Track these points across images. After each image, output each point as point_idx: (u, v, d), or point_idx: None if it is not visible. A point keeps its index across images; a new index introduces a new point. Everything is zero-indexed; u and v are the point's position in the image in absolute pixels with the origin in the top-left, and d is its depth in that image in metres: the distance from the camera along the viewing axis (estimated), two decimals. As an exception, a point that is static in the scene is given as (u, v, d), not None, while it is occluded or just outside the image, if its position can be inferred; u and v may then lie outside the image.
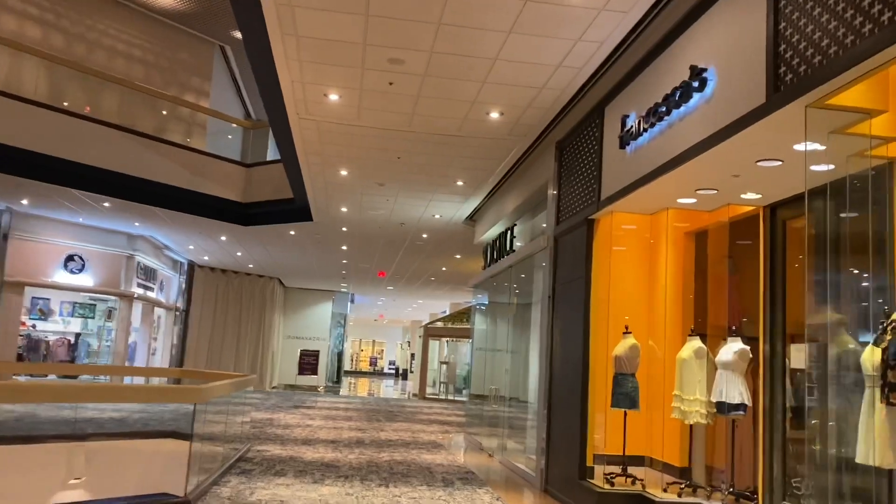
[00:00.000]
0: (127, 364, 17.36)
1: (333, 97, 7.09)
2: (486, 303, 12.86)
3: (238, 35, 15.22)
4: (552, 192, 8.02)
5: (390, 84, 6.64)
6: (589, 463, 6.60)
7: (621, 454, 6.45)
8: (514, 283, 10.26)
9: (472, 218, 12.82)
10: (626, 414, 6.45)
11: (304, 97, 7.15)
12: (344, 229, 14.55)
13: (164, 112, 15.53)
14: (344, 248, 17.04)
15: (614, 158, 6.28)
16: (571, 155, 7.50)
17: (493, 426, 11.53)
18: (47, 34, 13.71)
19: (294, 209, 13.40)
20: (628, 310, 6.83)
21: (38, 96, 12.07)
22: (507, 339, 11.12)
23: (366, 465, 8.66)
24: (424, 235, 14.73)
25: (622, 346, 6.53)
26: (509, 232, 10.18)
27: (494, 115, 7.31)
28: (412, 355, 44.47)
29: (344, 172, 9.96)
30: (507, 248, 10.25)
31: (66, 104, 12.69)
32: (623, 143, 5.99)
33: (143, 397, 5.35)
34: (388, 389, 33.31)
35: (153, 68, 15.43)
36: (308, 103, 7.32)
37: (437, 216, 12.64)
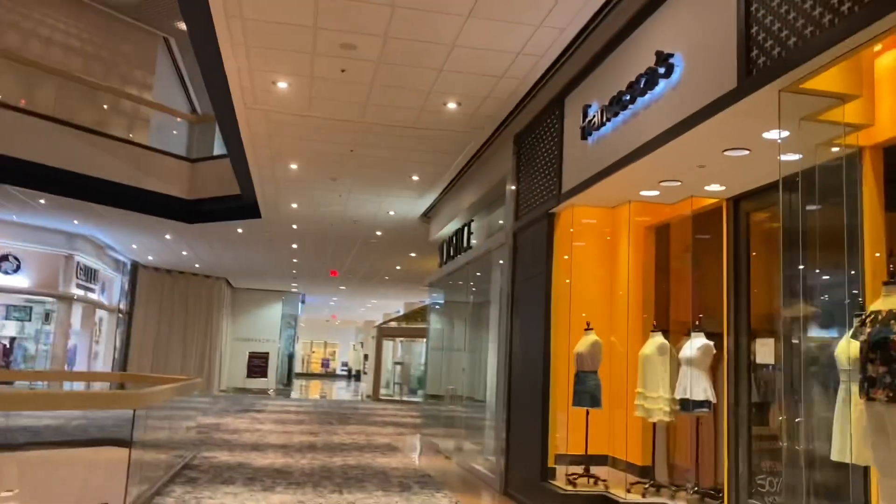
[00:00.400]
0: (66, 369, 16.59)
1: (282, 85, 6.75)
2: (443, 301, 12.63)
3: (183, 26, 14.65)
4: (511, 186, 7.82)
5: (342, 71, 6.34)
6: (550, 464, 6.41)
7: (583, 454, 6.28)
8: (471, 280, 10.04)
9: (428, 215, 12.57)
10: (588, 412, 6.28)
11: (251, 85, 6.80)
12: (294, 227, 14.14)
13: (105, 106, 14.85)
14: (294, 246, 16.61)
15: (575, 150, 6.10)
16: (530, 148, 7.31)
17: (450, 427, 11.30)
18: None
19: (242, 206, 12.93)
20: (589, 306, 6.67)
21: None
22: (463, 338, 10.91)
23: (318, 470, 8.32)
24: (378, 233, 14.42)
25: (584, 343, 6.36)
26: (466, 228, 9.96)
27: (452, 105, 7.07)
28: (365, 356, 44.03)
29: (294, 166, 9.60)
30: (464, 245, 10.02)
31: (-3, 96, 12.00)
32: (585, 135, 5.81)
33: (78, 404, 4.95)
34: (340, 391, 32.83)
35: (93, 60, 14.74)
36: (256, 92, 6.96)
37: (391, 213, 12.35)
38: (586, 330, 6.41)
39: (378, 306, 36.24)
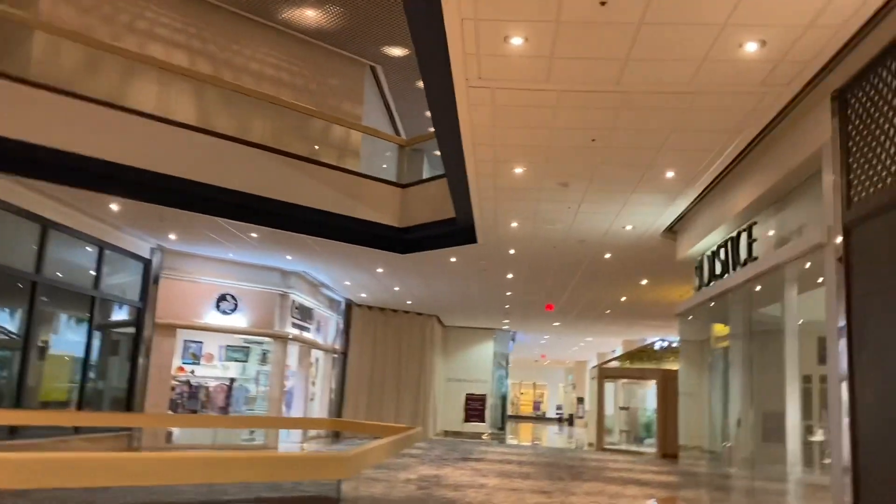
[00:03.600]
0: (284, 411, 16.22)
1: (516, 42, 5.10)
2: (699, 336, 10.26)
3: (391, 52, 13.91)
4: (829, 166, 5.53)
5: (602, 4, 4.55)
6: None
7: None
8: (753, 304, 7.68)
9: (673, 228, 10.37)
10: None
11: (476, 48, 5.23)
12: (512, 252, 12.54)
13: (317, 147, 14.42)
14: (510, 276, 15.04)
15: None
16: (873, 101, 5.01)
17: (722, 490, 8.89)
18: (194, 61, 12.99)
19: (456, 230, 11.61)
20: None
21: (183, 120, 11.17)
22: (737, 379, 8.50)
23: (571, 553, 6.38)
24: (607, 255, 12.40)
25: None
26: (745, 236, 7.66)
27: (751, 46, 4.99)
28: (579, 399, 41.51)
29: (519, 170, 7.95)
30: (742, 259, 7.72)
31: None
32: None
33: (272, 474, 3.50)
34: (555, 437, 30.72)
35: (302, 93, 14.40)
36: (481, 58, 5.38)
37: (628, 227, 10.31)
38: None
39: (591, 345, 33.88)
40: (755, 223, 7.48)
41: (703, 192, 8.42)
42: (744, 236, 7.67)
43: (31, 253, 10.55)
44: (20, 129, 9.19)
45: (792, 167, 6.28)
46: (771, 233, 7.29)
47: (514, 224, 10.51)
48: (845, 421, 5.17)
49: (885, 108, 4.81)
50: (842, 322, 5.26)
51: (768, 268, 6.86)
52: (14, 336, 10.41)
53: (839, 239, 5.38)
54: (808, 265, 6.40)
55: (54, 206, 10.60)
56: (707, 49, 5.03)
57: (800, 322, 7.14)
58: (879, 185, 4.87)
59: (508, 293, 17.45)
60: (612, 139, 6.87)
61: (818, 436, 7.05)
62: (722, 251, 8.38)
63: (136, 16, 12.27)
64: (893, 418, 4.62)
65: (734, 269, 7.93)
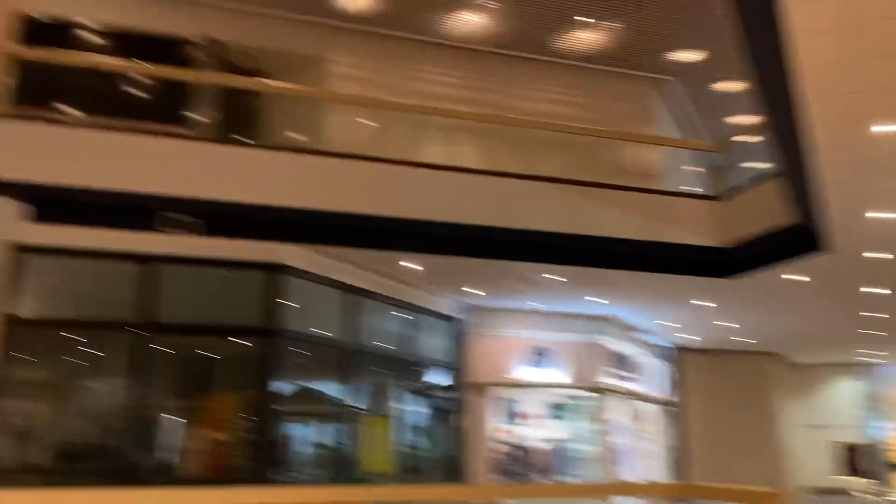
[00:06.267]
0: (617, 473, 14.66)
1: None
2: None
3: (679, 58, 12.30)
4: None
5: None
6: None
7: None
8: None
9: None
10: None
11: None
12: (878, 255, 9.72)
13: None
14: (874, 290, 11.89)
15: None
16: None
17: None
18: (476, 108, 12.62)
19: (794, 238, 9.36)
20: None
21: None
22: None
23: None
24: None
25: None
26: None
27: None
28: None
29: (884, 128, 5.79)
30: None
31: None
32: None
33: None
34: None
35: (584, 123, 13.29)
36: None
37: None
38: None
39: None
40: None
41: None
42: None
43: (351, 322, 10.79)
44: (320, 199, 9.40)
45: None
46: None
47: (871, 213, 7.99)
48: None
49: None
50: None
51: None
52: (357, 408, 10.70)
53: None
54: None
55: (364, 275, 10.82)
56: None
57: None
58: None
59: (874, 315, 13.97)
60: None
61: None
62: None
63: (409, 78, 12.23)
64: None
65: None
